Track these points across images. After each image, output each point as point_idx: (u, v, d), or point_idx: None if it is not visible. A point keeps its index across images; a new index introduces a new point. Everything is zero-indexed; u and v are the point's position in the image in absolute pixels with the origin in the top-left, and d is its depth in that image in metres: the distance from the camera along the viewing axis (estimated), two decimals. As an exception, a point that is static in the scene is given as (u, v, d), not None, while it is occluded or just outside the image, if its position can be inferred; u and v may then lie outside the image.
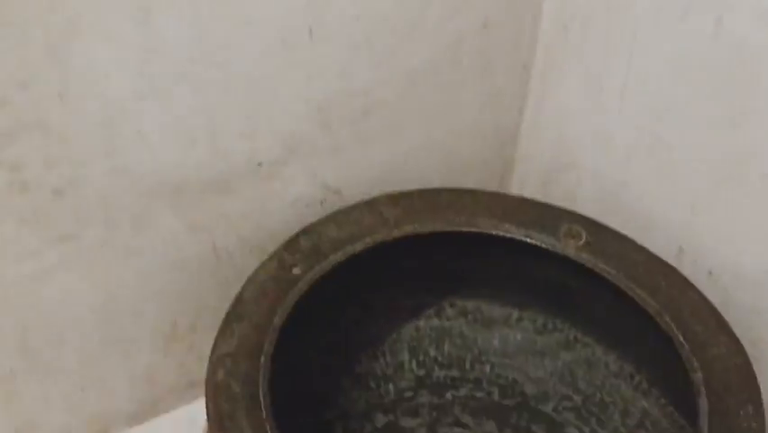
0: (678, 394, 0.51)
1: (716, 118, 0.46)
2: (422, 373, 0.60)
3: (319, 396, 0.56)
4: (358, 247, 0.49)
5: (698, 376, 0.41)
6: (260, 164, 0.51)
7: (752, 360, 0.43)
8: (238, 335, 0.42)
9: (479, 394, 0.60)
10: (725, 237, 0.49)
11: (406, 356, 0.60)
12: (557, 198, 0.62)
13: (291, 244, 0.48)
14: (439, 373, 0.60)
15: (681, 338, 0.43)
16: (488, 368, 0.60)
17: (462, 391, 0.60)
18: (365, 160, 0.56)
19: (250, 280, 0.45)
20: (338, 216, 0.50)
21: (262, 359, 0.41)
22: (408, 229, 0.51)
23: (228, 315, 0.43)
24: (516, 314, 0.60)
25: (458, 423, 0.59)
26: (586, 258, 0.49)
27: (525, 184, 0.63)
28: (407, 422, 0.58)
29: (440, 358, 0.61)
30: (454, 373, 0.60)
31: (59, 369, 0.51)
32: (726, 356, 0.41)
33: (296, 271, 0.46)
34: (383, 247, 0.50)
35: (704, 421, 0.39)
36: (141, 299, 0.52)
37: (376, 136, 0.55)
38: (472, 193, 0.53)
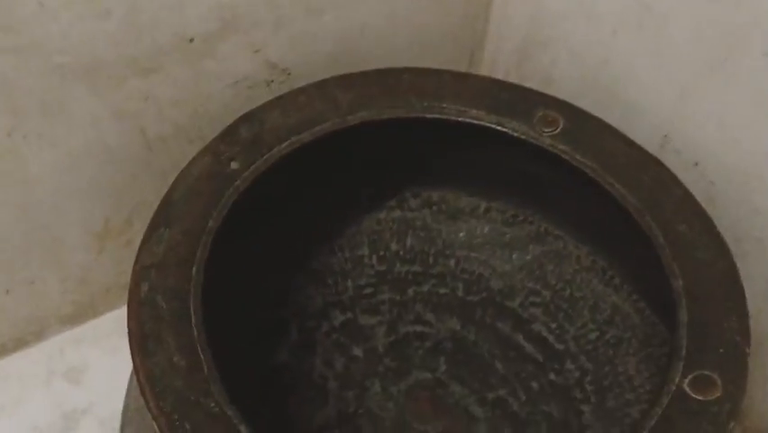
0: (651, 291, 0.48)
1: (718, -14, 0.40)
2: (383, 268, 0.56)
3: (270, 296, 0.52)
4: (306, 137, 0.43)
5: (678, 283, 0.37)
6: (191, 40, 0.44)
7: (736, 258, 0.39)
8: (166, 242, 0.37)
9: (442, 290, 0.56)
10: (715, 125, 0.44)
11: (365, 251, 0.56)
12: (532, 80, 0.56)
13: (228, 134, 0.42)
14: (401, 269, 0.57)
15: (662, 240, 0.39)
16: (452, 262, 0.57)
17: (425, 287, 0.56)
18: (315, 34, 0.49)
19: (180, 179, 0.39)
20: (283, 102, 0.44)
21: (194, 269, 0.36)
22: (364, 115, 0.45)
23: (154, 219, 0.37)
24: (483, 204, 0.56)
25: (420, 320, 0.55)
26: (562, 149, 0.44)
27: (496, 63, 0.57)
28: (367, 320, 0.55)
29: (402, 252, 0.57)
30: (417, 267, 0.57)
31: (-22, 272, 0.46)
32: (710, 261, 0.37)
33: (234, 165, 0.41)
34: (335, 137, 0.44)
35: (683, 333, 0.35)
36: (64, 195, 0.46)
37: (327, 6, 0.48)
38: (437, 74, 0.47)
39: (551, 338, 0.54)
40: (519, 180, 0.53)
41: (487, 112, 0.45)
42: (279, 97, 0.44)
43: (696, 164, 0.45)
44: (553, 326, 0.54)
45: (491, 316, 0.55)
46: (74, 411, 0.50)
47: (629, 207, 0.41)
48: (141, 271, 0.35)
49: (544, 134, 0.44)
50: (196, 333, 0.34)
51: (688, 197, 0.41)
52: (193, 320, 0.34)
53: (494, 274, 0.56)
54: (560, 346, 0.53)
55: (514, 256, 0.56)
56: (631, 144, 0.43)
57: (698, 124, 0.44)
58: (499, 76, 0.58)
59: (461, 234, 0.57)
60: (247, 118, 0.42)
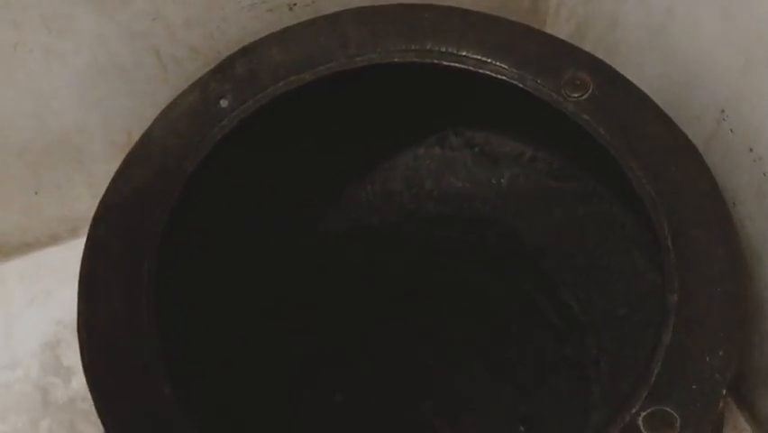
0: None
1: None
2: (412, 206, 0.54)
3: (286, 228, 0.51)
4: (307, 77, 0.40)
5: (672, 299, 0.32)
6: (197, -43, 0.41)
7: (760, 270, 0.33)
8: (134, 182, 0.36)
9: (471, 237, 0.53)
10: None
11: (397, 186, 0.54)
12: (596, 21, 0.49)
13: (221, 69, 0.40)
14: (431, 209, 0.54)
15: (670, 243, 0.34)
16: (487, 209, 0.53)
17: (454, 233, 0.53)
18: (343, -44, 0.44)
19: (161, 115, 0.38)
20: (286, 35, 0.41)
21: (158, 212, 0.35)
22: (372, 57, 0.41)
23: (127, 158, 0.37)
24: (530, 152, 0.51)
25: (442, 266, 0.53)
26: (585, 119, 0.39)
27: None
28: (386, 258, 0.53)
29: (436, 192, 0.54)
30: (449, 210, 0.53)
31: (3, 173, 0.48)
32: (717, 279, 0.32)
33: (223, 103, 0.39)
34: (339, 77, 0.41)
35: (659, 357, 0.31)
36: (82, 109, 0.47)
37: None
38: (463, 15, 0.42)
39: (576, 308, 0.50)
40: (564, 134, 0.48)
41: (509, 65, 0.40)
42: (283, 30, 0.41)
43: (750, 150, 0.38)
44: (582, 296, 0.50)
45: (517, 272, 0.52)
46: (95, 311, 0.53)
47: (644, 197, 0.36)
48: (102, 212, 0.35)
49: (569, 99, 0.39)
50: (145, 281, 0.34)
51: (715, 195, 0.35)
52: (145, 267, 0.34)
53: (529, 229, 0.52)
54: (583, 318, 0.50)
55: (555, 212, 0.52)
56: (666, 122, 0.37)
57: (760, 104, 0.37)
58: (565, 11, 0.51)
59: (502, 181, 0.53)
60: (244, 53, 0.40)
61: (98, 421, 0.30)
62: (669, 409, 0.29)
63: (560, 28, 0.53)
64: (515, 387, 0.49)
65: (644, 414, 0.29)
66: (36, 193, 0.51)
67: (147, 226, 0.35)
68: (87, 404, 0.47)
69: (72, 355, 0.52)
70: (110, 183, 0.36)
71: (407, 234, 0.53)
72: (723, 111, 0.39)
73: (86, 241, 0.34)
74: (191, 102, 0.39)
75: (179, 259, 0.36)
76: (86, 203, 0.53)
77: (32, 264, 0.55)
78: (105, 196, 0.36)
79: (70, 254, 0.55)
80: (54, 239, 0.55)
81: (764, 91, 0.36)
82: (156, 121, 0.38)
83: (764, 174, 0.38)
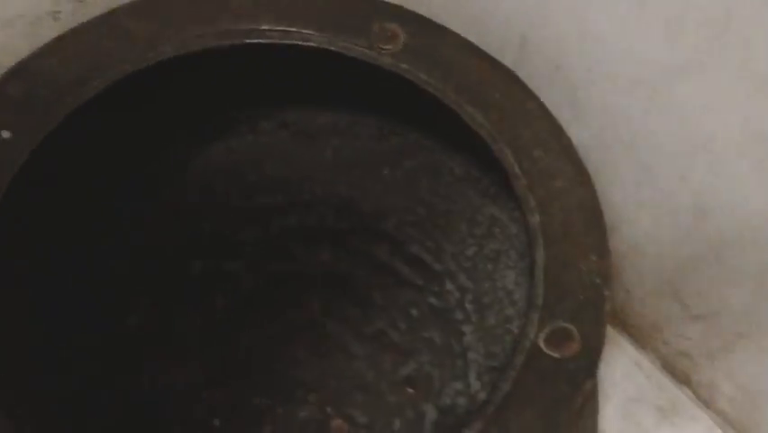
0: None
1: None
2: (240, 203, 0.50)
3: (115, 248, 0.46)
4: (97, 85, 0.36)
5: (534, 219, 0.33)
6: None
7: (603, 165, 0.35)
8: None
9: (310, 220, 0.51)
10: (578, 20, 0.38)
11: (219, 185, 0.50)
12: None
13: (-6, 96, 0.34)
14: (261, 201, 0.51)
15: (518, 169, 0.34)
16: (319, 188, 0.51)
17: (291, 220, 0.51)
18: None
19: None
20: (63, 45, 0.36)
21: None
22: (167, 51, 0.37)
23: None
24: (345, 120, 0.50)
25: (288, 256, 0.51)
26: (404, 68, 0.38)
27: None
28: (229, 265, 0.50)
29: (261, 182, 0.51)
30: (279, 198, 0.51)
31: None
32: (568, 190, 0.33)
33: (5, 135, 0.33)
34: (135, 79, 0.37)
35: (539, 277, 0.31)
36: None
37: None
38: (252, -14, 0.39)
39: (429, 259, 0.50)
40: (378, 96, 0.47)
41: (315, 29, 0.38)
42: (57, 40, 0.36)
43: (557, 67, 0.39)
44: (431, 244, 0.50)
45: (365, 241, 0.51)
46: None
47: (481, 132, 0.36)
48: None
49: (384, 52, 0.38)
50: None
51: (544, 114, 0.36)
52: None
53: (365, 196, 0.51)
54: (438, 267, 0.50)
55: (385, 173, 0.51)
56: (482, 57, 0.38)
57: (558, 20, 0.38)
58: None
59: (327, 155, 0.51)
60: (15, 73, 0.34)
61: None
62: (565, 324, 0.30)
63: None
64: (392, 351, 0.49)
65: (543, 335, 0.30)
66: None
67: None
68: None
69: None
70: None
71: (242, 233, 0.51)
72: (524, 35, 0.40)
73: None
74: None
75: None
76: None
77: None
78: None
79: None
80: None
81: (559, 11, 0.38)
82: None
83: (574, 87, 0.40)
